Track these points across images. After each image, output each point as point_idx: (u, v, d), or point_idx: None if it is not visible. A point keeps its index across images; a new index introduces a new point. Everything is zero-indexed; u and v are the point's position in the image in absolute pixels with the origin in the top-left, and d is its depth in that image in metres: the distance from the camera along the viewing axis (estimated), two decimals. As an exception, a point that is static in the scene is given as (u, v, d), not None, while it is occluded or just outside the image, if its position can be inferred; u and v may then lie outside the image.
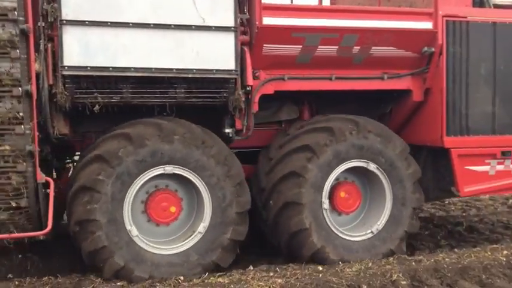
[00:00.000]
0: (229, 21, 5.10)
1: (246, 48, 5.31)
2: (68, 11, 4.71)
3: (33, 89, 4.52)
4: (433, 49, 5.74)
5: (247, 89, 5.32)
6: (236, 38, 5.12)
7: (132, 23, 4.86)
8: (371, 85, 5.91)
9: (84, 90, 4.88)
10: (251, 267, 5.38)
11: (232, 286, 4.64)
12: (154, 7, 4.90)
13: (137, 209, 5.17)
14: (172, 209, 5.21)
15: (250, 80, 5.30)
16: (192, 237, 5.20)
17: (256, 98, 5.52)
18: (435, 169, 6.22)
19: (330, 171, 5.48)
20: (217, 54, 5.09)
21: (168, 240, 5.29)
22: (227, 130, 5.54)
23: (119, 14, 4.82)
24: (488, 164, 5.97)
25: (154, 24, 4.91)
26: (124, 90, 5.02)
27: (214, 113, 5.59)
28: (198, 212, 5.33)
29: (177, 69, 5.01)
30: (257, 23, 5.19)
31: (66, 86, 4.81)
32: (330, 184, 5.53)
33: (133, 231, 4.97)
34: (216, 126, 5.59)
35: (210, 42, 5.07)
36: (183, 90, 5.16)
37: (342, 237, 5.59)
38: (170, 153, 4.99)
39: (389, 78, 5.92)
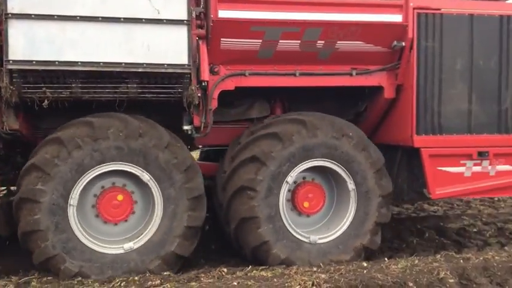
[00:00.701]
0: (182, 14, 4.93)
1: (202, 42, 5.14)
2: (13, 5, 4.64)
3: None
4: (403, 43, 5.44)
5: (203, 84, 5.14)
6: (189, 31, 4.95)
7: (79, 16, 4.74)
8: (339, 81, 5.65)
9: (32, 85, 4.80)
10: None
11: (275, 280, 4.60)
12: (104, 0, 4.78)
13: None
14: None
15: (205, 75, 5.13)
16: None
17: (216, 94, 5.34)
18: (409, 170, 5.93)
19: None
20: (169, 48, 4.93)
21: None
22: (185, 127, 5.38)
23: (66, 8, 4.72)
24: (464, 165, 5.65)
25: (102, 17, 4.79)
26: (73, 85, 4.91)
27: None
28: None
29: (126, 64, 4.87)
30: (212, 16, 5.00)
31: (13, 80, 4.73)
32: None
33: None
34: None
35: (162, 35, 4.91)
36: (135, 85, 5.02)
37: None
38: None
39: (358, 75, 5.66)
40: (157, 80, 5.04)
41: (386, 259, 5.32)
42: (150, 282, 4.57)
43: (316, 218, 5.68)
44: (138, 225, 5.24)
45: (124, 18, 4.82)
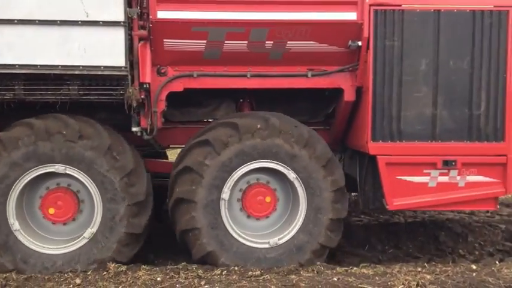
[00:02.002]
0: (119, 16, 4.85)
1: (144, 44, 5.05)
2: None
3: None
4: (359, 43, 5.07)
5: (145, 86, 5.06)
6: (126, 33, 4.88)
7: (17, 20, 4.79)
8: (294, 83, 5.38)
9: (-23, 88, 4.94)
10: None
11: (377, 278, 4.55)
12: (40, 3, 4.78)
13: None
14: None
15: (146, 77, 5.03)
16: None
17: (163, 96, 5.25)
18: (374, 177, 5.52)
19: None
20: (105, 50, 4.87)
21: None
22: (134, 129, 5.32)
23: (3, 11, 4.77)
24: (428, 174, 5.18)
25: (39, 20, 4.80)
26: (16, 87, 4.99)
27: None
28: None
29: (62, 66, 4.87)
30: (151, 17, 4.90)
31: None
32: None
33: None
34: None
35: (98, 37, 4.85)
36: (76, 87, 5.03)
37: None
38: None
39: (314, 76, 5.35)
40: (98, 82, 5.02)
41: (497, 262, 5.15)
42: (250, 273, 4.69)
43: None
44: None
45: (60, 20, 4.81)
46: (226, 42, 5.08)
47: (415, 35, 5.04)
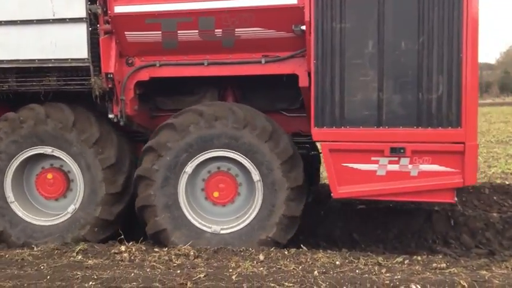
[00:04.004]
0: (81, 13, 5.39)
1: (109, 37, 5.52)
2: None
3: None
4: (302, 27, 4.99)
5: (109, 76, 5.53)
6: (88, 28, 5.40)
7: (3, 21, 5.58)
8: (250, 70, 5.45)
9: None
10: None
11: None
12: (20, 5, 5.51)
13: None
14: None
15: (110, 68, 5.50)
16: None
17: (131, 85, 5.68)
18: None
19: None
20: (72, 44, 5.46)
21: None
22: (110, 116, 5.83)
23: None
24: (376, 162, 4.91)
25: (20, 20, 5.54)
26: (10, 80, 5.80)
27: None
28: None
29: (39, 60, 5.56)
30: (109, 12, 5.36)
31: None
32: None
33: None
34: None
35: (66, 33, 5.46)
36: (54, 79, 5.69)
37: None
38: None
39: (268, 62, 5.37)
40: (72, 73, 5.62)
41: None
42: (435, 264, 4.61)
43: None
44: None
45: (36, 20, 5.49)
46: (179, 32, 5.34)
47: (358, 16, 4.82)
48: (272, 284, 4.11)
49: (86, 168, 5.65)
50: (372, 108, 4.85)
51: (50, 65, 5.55)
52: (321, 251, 5.10)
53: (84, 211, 5.69)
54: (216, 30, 5.26)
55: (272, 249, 5.07)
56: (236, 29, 5.21)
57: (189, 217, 5.41)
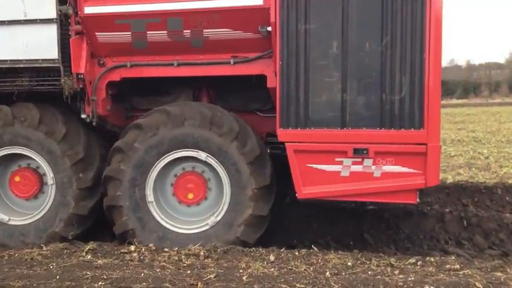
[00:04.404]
0: (52, 14, 5.44)
1: (79, 37, 5.56)
2: None
3: None
4: (268, 28, 5.01)
5: (79, 76, 5.57)
6: (58, 29, 5.44)
7: (-20, 23, 5.64)
8: (219, 71, 5.49)
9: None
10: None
11: None
12: (-5, 6, 5.58)
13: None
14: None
15: (80, 68, 5.53)
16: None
17: (102, 85, 5.72)
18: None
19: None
20: (43, 45, 5.50)
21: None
22: (82, 116, 5.87)
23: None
24: (340, 163, 4.93)
25: (-7, 21, 5.60)
26: None
27: None
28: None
29: (10, 60, 5.61)
30: (79, 13, 5.40)
31: None
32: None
33: None
34: None
35: (37, 34, 5.50)
36: (27, 79, 5.74)
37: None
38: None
39: (237, 63, 5.40)
40: (44, 74, 5.66)
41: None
42: (448, 266, 4.55)
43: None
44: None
45: (8, 21, 5.54)
46: (148, 32, 5.38)
47: (323, 17, 4.83)
48: (284, 285, 4.09)
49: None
50: (336, 109, 4.86)
51: (22, 66, 5.59)
52: (332, 251, 5.09)
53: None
54: (184, 31, 5.29)
55: (283, 249, 5.08)
56: (204, 30, 5.24)
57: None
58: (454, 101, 43.27)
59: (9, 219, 5.87)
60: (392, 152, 4.81)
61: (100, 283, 4.24)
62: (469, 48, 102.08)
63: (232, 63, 5.40)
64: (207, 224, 5.38)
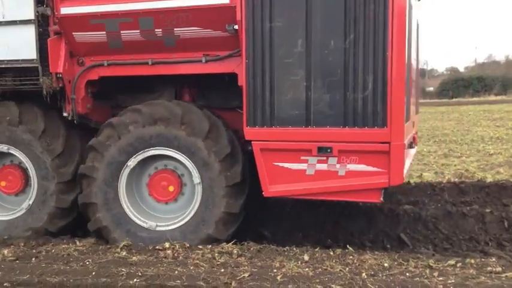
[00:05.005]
0: (30, 15, 5.58)
1: (58, 37, 5.69)
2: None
3: None
4: (235, 27, 5.04)
5: (58, 76, 5.70)
6: (36, 29, 5.58)
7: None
8: (192, 69, 5.54)
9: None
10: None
11: None
12: (-25, 9, 5.75)
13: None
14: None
15: (58, 68, 5.66)
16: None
17: (81, 84, 5.85)
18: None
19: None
20: (23, 45, 5.65)
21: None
22: (64, 114, 6.01)
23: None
24: (305, 161, 4.92)
25: (-25, 23, 5.78)
26: None
27: None
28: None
29: (-6, 61, 5.79)
30: (56, 13, 5.53)
31: None
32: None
33: None
34: None
35: (17, 35, 5.65)
36: (10, 79, 5.91)
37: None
38: None
39: (208, 62, 5.44)
40: (26, 73, 5.82)
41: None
42: (489, 268, 4.44)
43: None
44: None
45: (-11, 23, 5.72)
46: (122, 32, 5.46)
47: (286, 14, 4.83)
48: (319, 286, 4.05)
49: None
50: (301, 107, 4.86)
51: (3, 66, 5.76)
52: (368, 252, 5.02)
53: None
54: (156, 30, 5.36)
55: (317, 249, 5.07)
56: (175, 29, 5.30)
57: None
58: (492, 98, 42.05)
59: None
60: (356, 151, 4.78)
61: (135, 280, 4.31)
62: (508, 43, 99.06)
63: (204, 61, 5.44)
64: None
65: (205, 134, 5.30)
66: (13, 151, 5.93)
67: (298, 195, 5.11)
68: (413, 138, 6.65)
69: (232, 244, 5.17)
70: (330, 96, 4.78)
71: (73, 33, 5.61)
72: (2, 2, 5.61)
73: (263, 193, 5.07)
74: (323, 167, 4.89)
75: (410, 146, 6.16)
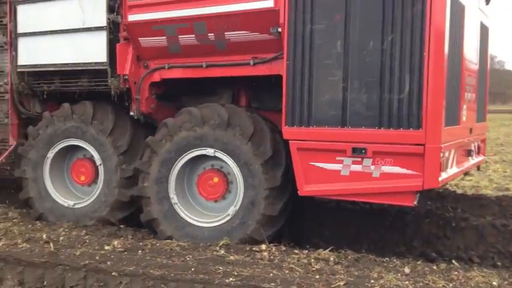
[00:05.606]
0: (103, 22, 6.18)
1: (126, 42, 6.23)
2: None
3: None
4: (278, 29, 5.20)
5: (124, 78, 6.23)
6: (107, 35, 6.16)
7: (49, 31, 6.57)
8: (241, 71, 5.77)
9: (36, 82, 6.93)
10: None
11: None
12: (62, 17, 6.46)
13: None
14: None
15: (125, 70, 6.19)
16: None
17: (146, 85, 6.33)
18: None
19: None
20: (96, 49, 6.27)
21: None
22: (131, 113, 6.54)
23: (41, 25, 6.61)
24: (341, 162, 4.91)
25: (60, 30, 6.50)
26: (55, 81, 6.80)
27: None
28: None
29: (72, 64, 6.46)
30: (124, 20, 6.08)
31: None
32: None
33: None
34: None
35: (92, 40, 6.29)
36: (85, 80, 6.56)
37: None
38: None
39: (256, 64, 5.64)
40: (98, 75, 6.43)
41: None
42: None
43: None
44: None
45: (72, 29, 6.40)
46: (180, 37, 5.86)
47: (326, 17, 4.91)
48: None
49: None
50: (338, 108, 4.89)
51: (80, 68, 6.41)
52: (475, 268, 4.80)
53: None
54: (209, 34, 5.68)
55: (419, 262, 5.00)
56: (225, 33, 5.58)
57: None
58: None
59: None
60: (390, 153, 4.70)
61: (231, 279, 4.37)
62: None
63: (252, 64, 5.65)
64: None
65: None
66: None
67: (332, 196, 5.11)
68: (477, 147, 6.34)
69: (329, 251, 5.11)
70: (367, 97, 4.77)
71: (139, 38, 6.11)
72: (83, 10, 6.27)
73: (298, 192, 5.13)
74: (358, 168, 4.86)
75: (469, 154, 5.89)
